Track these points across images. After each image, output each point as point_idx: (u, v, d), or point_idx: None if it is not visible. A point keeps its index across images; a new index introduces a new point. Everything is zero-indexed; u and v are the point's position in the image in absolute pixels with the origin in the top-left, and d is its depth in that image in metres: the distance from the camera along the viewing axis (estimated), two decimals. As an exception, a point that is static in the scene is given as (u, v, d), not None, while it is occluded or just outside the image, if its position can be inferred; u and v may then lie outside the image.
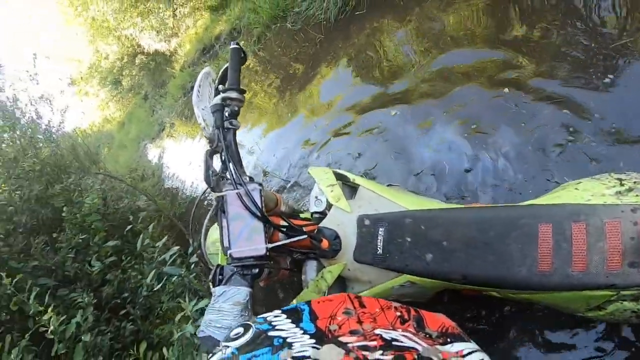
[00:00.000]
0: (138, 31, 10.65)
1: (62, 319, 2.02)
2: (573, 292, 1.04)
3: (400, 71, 2.97)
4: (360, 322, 0.76)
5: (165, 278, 2.37)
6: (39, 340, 2.08)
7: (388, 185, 1.62)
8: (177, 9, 9.28)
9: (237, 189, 1.28)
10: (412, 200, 1.45)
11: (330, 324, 0.75)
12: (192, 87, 1.49)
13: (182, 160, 5.83)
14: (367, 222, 1.40)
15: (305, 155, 3.21)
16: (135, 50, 11.43)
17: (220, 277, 1.21)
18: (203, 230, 1.46)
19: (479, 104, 2.28)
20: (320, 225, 1.48)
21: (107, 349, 2.14)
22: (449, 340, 0.74)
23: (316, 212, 1.59)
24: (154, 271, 2.40)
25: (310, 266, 1.52)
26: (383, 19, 3.45)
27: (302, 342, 0.66)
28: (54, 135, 4.87)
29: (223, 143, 1.34)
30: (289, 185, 3.15)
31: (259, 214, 1.26)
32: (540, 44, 2.24)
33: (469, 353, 0.69)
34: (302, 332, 0.71)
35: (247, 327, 0.74)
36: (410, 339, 0.68)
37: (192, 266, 2.51)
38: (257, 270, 1.24)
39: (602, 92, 1.90)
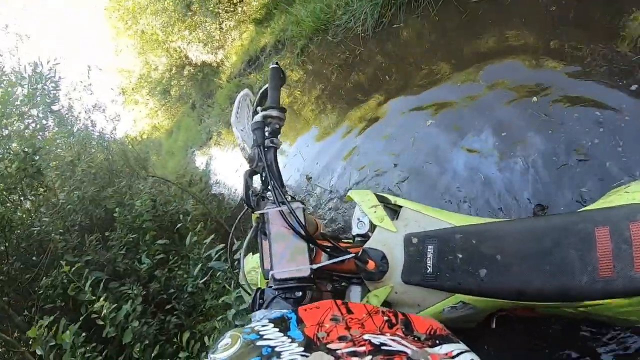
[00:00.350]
0: (186, 43, 11.05)
1: (112, 307, 2.18)
2: (638, 297, 0.97)
3: (435, 80, 3.01)
4: (348, 328, 0.76)
5: (209, 274, 2.46)
6: (89, 326, 2.25)
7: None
8: (223, 22, 9.55)
9: (280, 207, 1.20)
10: (457, 217, 1.39)
11: (318, 331, 0.75)
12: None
13: (229, 168, 6.03)
14: (414, 240, 1.32)
15: (344, 162, 3.29)
16: (184, 62, 11.85)
17: (260, 300, 1.15)
18: (242, 251, 1.40)
19: (509, 113, 2.30)
20: (365, 246, 1.40)
21: (152, 337, 2.27)
22: (437, 342, 0.74)
23: (359, 235, 1.52)
24: (199, 265, 2.49)
25: (354, 291, 1.44)
26: (418, 31, 3.52)
27: (290, 351, 0.67)
28: (105, 142, 5.18)
29: (264, 162, 1.26)
30: (330, 189, 3.24)
31: (303, 232, 1.18)
32: (569, 53, 2.25)
33: (459, 354, 0.68)
34: (290, 340, 0.72)
35: (235, 338, 0.73)
36: (399, 342, 0.69)
37: (236, 263, 2.55)
38: (300, 293, 1.16)
39: (632, 98, 1.89)
